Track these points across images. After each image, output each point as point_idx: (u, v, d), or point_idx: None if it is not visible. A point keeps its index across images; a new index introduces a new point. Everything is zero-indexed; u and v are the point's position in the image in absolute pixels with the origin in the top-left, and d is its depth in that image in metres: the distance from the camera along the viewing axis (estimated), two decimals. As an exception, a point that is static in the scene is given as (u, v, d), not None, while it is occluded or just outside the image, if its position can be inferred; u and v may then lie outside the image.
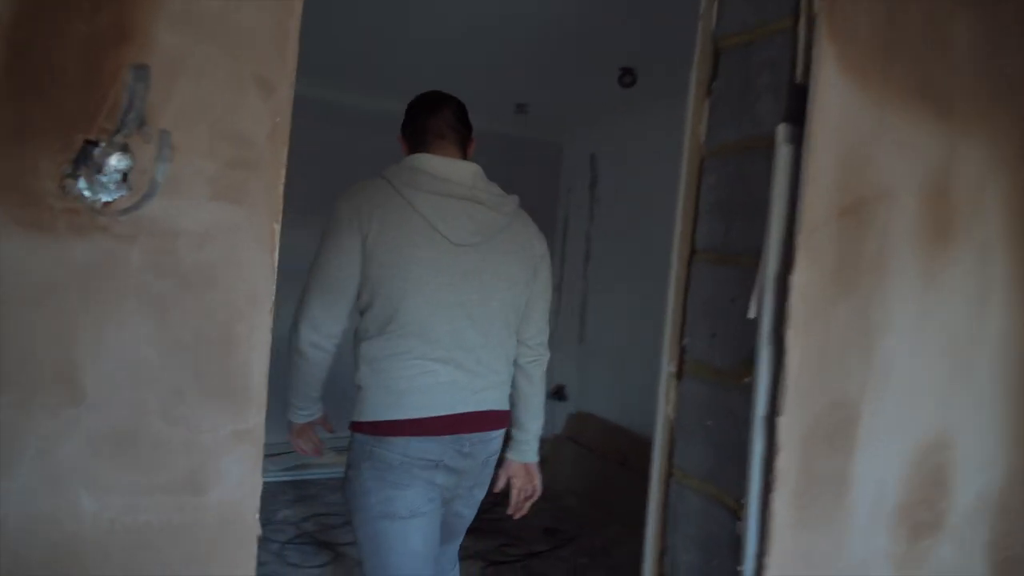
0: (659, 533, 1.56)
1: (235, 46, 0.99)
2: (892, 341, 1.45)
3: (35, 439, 0.86)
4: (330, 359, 1.60)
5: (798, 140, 1.28)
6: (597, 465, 4.06)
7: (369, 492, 1.57)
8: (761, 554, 1.33)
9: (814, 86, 1.25)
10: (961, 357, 1.56)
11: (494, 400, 1.68)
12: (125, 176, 0.94)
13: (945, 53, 1.44)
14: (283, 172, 1.04)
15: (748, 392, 1.34)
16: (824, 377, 1.36)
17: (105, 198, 0.93)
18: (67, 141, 0.88)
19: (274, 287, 1.02)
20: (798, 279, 1.28)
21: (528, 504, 1.81)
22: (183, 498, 0.93)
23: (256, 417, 0.97)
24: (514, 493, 1.79)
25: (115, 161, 0.93)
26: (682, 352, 1.53)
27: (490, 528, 3.37)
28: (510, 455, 1.79)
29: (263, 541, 3.27)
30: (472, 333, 1.61)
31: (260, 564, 2.91)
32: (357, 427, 1.61)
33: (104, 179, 0.94)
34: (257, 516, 0.96)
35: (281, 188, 1.03)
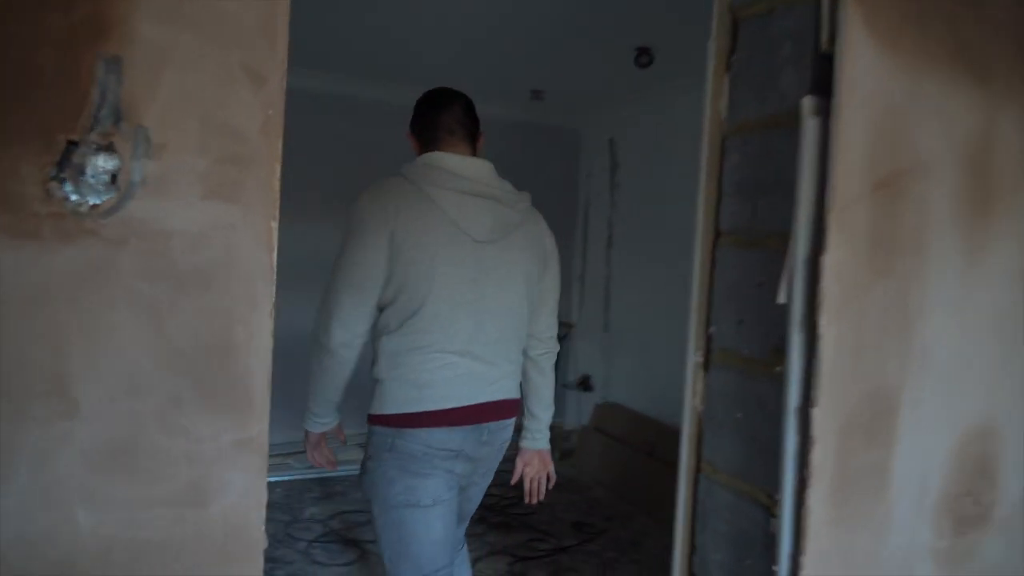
0: (688, 530, 1.50)
1: (222, 36, 0.95)
2: (932, 324, 1.36)
3: (28, 455, 0.83)
4: (356, 359, 1.62)
5: (826, 112, 1.20)
6: (624, 456, 4.01)
7: (393, 481, 1.60)
8: (797, 553, 1.27)
9: (840, 53, 1.17)
10: (1006, 339, 1.47)
11: (509, 389, 1.74)
12: (115, 177, 0.90)
13: (982, 14, 1.34)
14: (278, 167, 0.99)
15: (779, 382, 1.28)
16: (860, 365, 1.28)
17: (93, 200, 0.89)
18: (48, 143, 0.84)
19: (274, 288, 0.97)
20: (830, 260, 1.20)
21: (543, 490, 1.87)
22: (184, 511, 0.89)
23: (259, 425, 0.93)
24: (528, 480, 1.85)
25: (101, 161, 0.89)
26: (709, 340, 1.46)
27: (517, 523, 3.34)
28: (524, 443, 1.87)
29: (290, 540, 3.29)
30: (490, 327, 1.66)
31: (287, 563, 2.89)
32: (377, 420, 1.64)
33: (91, 180, 0.90)
34: (263, 528, 0.92)
35: (277, 184, 0.99)
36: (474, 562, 2.96)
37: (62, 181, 0.88)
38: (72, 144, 0.86)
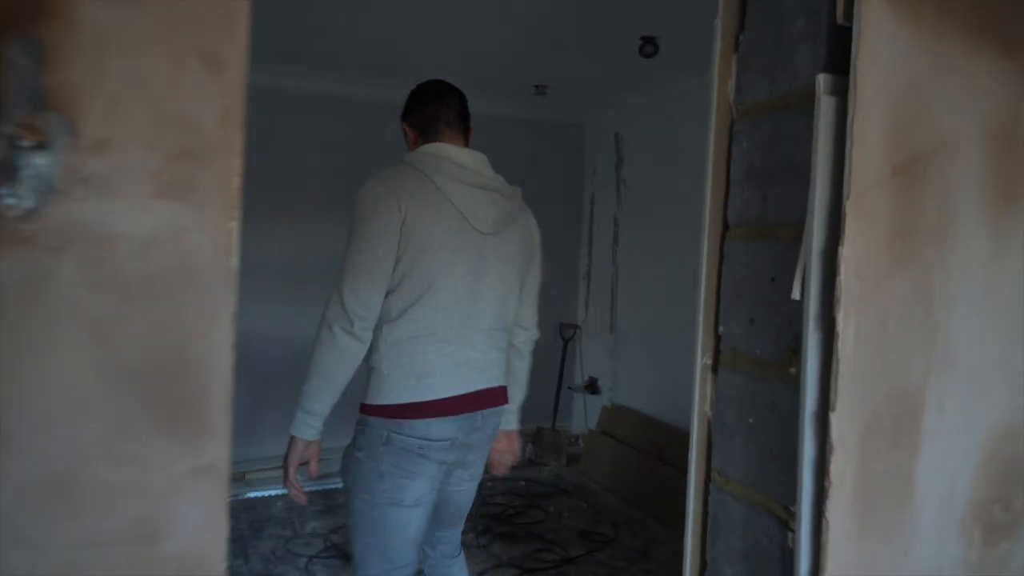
0: (699, 545, 1.40)
1: (174, 16, 0.85)
2: (958, 317, 1.26)
3: (-47, 492, 0.74)
4: (365, 353, 1.61)
5: (842, 90, 1.10)
6: (633, 460, 3.90)
7: (383, 477, 1.61)
8: (816, 569, 1.17)
9: (858, 25, 1.07)
10: (1038, 332, 1.36)
11: (499, 377, 1.79)
12: (49, 176, 0.81)
13: (1007, -20, 1.24)
14: (239, 162, 0.90)
15: (794, 385, 1.18)
16: (882, 364, 1.18)
17: (26, 203, 0.80)
18: (-26, 140, 0.75)
19: (234, 297, 0.88)
20: (849, 251, 1.10)
21: (506, 467, 2.00)
22: (135, 549, 0.80)
23: (218, 450, 0.83)
24: (495, 455, 1.95)
25: (38, 159, 0.80)
26: (718, 341, 1.37)
27: (524, 533, 3.23)
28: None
29: (290, 556, 3.18)
30: (486, 316, 1.71)
31: (286, 580, 2.75)
32: (373, 410, 1.62)
33: (30, 181, 0.81)
34: (224, 566, 0.83)
35: (237, 181, 0.89)
36: (479, 575, 2.87)
37: (-8, 183, 0.78)
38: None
